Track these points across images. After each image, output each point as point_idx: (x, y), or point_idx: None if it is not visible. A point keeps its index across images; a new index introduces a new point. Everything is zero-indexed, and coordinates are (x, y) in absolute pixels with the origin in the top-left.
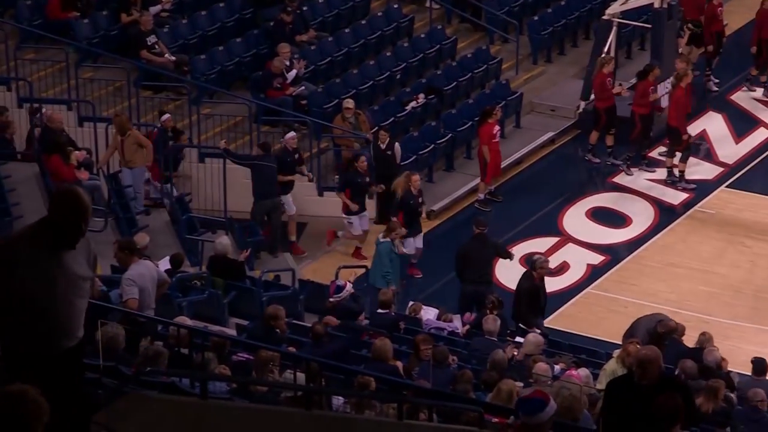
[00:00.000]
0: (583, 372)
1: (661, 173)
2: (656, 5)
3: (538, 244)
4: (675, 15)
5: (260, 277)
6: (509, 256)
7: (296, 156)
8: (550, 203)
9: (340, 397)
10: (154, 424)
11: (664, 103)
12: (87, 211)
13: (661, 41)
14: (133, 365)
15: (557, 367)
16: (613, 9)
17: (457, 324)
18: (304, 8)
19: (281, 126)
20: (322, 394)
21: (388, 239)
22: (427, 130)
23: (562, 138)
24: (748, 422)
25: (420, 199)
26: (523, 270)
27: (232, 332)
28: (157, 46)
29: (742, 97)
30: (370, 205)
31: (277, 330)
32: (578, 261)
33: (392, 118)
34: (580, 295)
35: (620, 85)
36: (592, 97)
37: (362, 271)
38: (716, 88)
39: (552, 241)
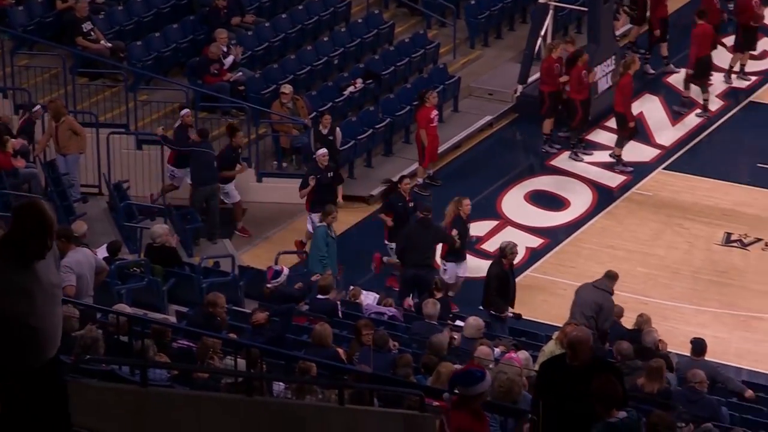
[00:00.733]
0: (523, 354)
1: (600, 156)
2: None
3: (478, 228)
4: None
5: (199, 264)
6: (452, 241)
7: (330, 174)
8: (488, 187)
9: (281, 383)
10: (94, 412)
11: (604, 85)
12: (52, 226)
13: (598, 24)
14: (72, 354)
15: (497, 350)
16: None
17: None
18: None
19: (219, 112)
20: (263, 380)
21: (324, 223)
22: (365, 115)
23: (500, 122)
24: (686, 403)
25: (468, 225)
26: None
27: (173, 319)
28: (93, 33)
29: (678, 80)
30: None
31: (217, 317)
32: (517, 244)
33: (330, 104)
34: (519, 278)
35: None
36: (530, 79)
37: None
38: (653, 71)
39: (491, 224)
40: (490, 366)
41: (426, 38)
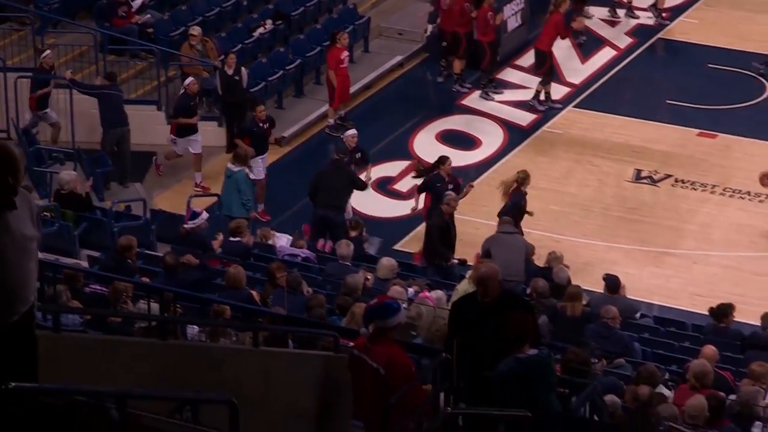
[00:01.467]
0: (437, 294)
1: (510, 95)
2: None
3: (390, 168)
4: None
5: (111, 208)
6: (363, 186)
7: (358, 155)
8: (400, 127)
9: (195, 327)
10: None
11: (513, 24)
12: (15, 163)
13: None
14: None
15: (411, 290)
16: None
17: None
18: None
19: (127, 55)
20: (177, 323)
21: (243, 168)
22: (275, 56)
23: (410, 62)
24: (599, 339)
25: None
26: (378, 195)
27: (84, 264)
28: None
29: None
30: (220, 133)
31: (129, 261)
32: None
33: (240, 45)
34: None
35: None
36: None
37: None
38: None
39: (403, 164)
40: (404, 306)
41: None
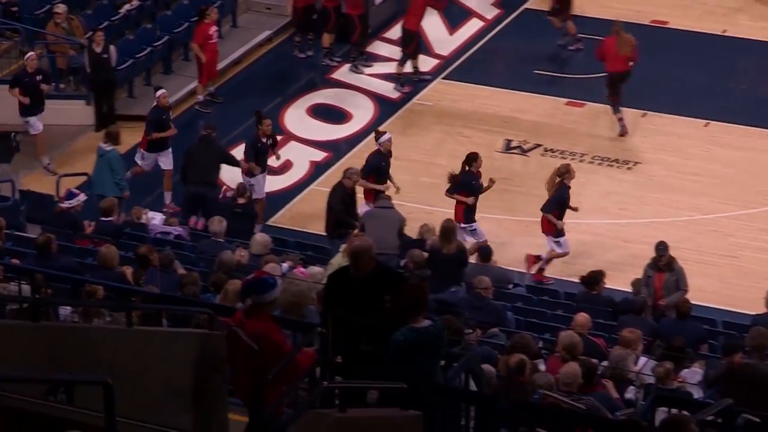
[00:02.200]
0: (315, 269)
1: (380, 68)
2: None
3: None
4: None
5: None
6: (235, 162)
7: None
8: (270, 102)
9: (68, 307)
10: None
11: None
12: None
13: None
14: None
15: (285, 265)
16: None
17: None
18: None
19: None
20: (49, 305)
21: (115, 147)
22: (143, 32)
23: (279, 36)
24: (472, 309)
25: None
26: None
27: None
28: None
29: None
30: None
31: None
32: (301, 158)
33: (107, 22)
34: (304, 192)
35: None
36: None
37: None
38: None
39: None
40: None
41: None
